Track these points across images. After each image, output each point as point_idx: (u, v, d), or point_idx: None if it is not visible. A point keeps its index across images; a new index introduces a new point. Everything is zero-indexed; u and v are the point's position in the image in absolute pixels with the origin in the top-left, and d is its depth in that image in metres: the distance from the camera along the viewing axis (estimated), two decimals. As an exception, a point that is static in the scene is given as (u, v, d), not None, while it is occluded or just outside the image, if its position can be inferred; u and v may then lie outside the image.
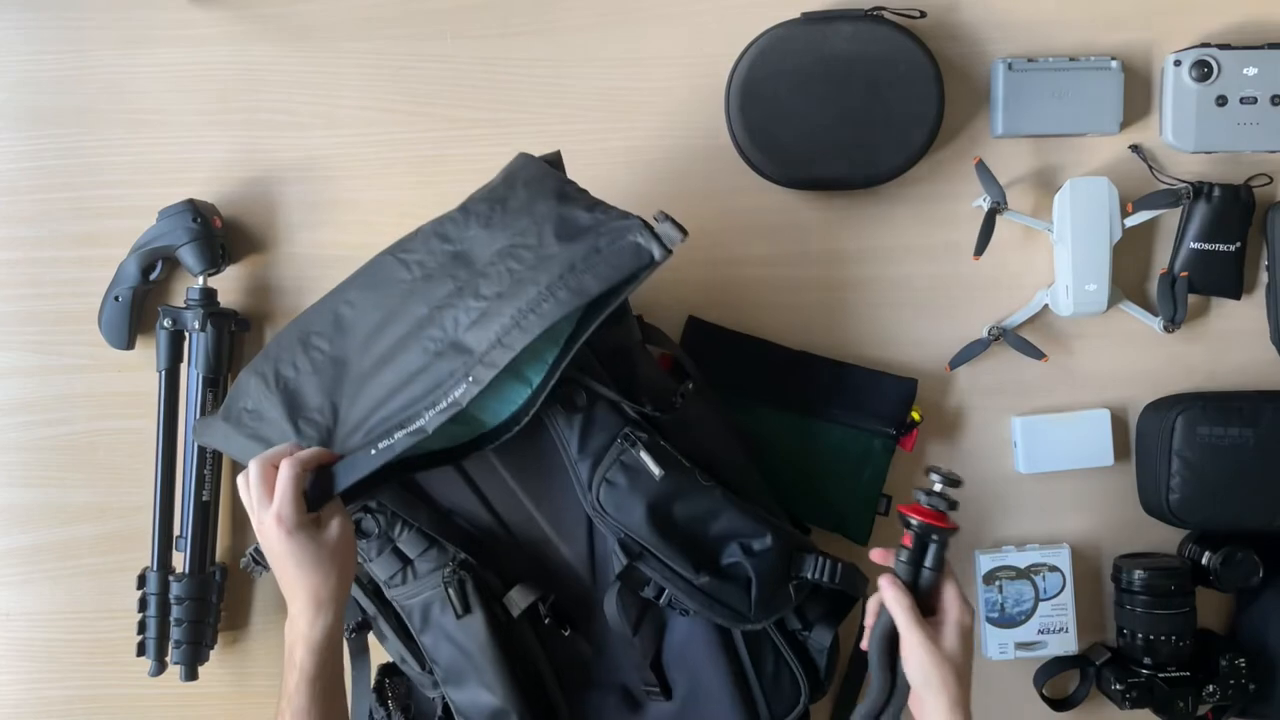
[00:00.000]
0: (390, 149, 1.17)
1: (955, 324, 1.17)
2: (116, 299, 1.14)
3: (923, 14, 1.14)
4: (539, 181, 0.97)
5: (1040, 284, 1.17)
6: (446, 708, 1.04)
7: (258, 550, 0.97)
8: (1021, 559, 1.16)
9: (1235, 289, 1.16)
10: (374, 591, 1.03)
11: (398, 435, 0.88)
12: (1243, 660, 1.12)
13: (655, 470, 0.95)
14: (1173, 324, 1.14)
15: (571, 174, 1.15)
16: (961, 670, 0.91)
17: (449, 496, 1.02)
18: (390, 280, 0.96)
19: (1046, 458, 1.16)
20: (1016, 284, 1.17)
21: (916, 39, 1.11)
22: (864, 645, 0.96)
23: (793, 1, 1.14)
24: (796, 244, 1.17)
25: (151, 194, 1.14)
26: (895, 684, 0.94)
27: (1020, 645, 1.16)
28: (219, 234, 1.13)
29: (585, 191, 0.97)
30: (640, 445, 0.96)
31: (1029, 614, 1.16)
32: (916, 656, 0.91)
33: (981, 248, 1.12)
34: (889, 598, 0.93)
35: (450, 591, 0.98)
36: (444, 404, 0.88)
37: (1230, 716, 1.15)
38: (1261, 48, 1.13)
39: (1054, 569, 1.16)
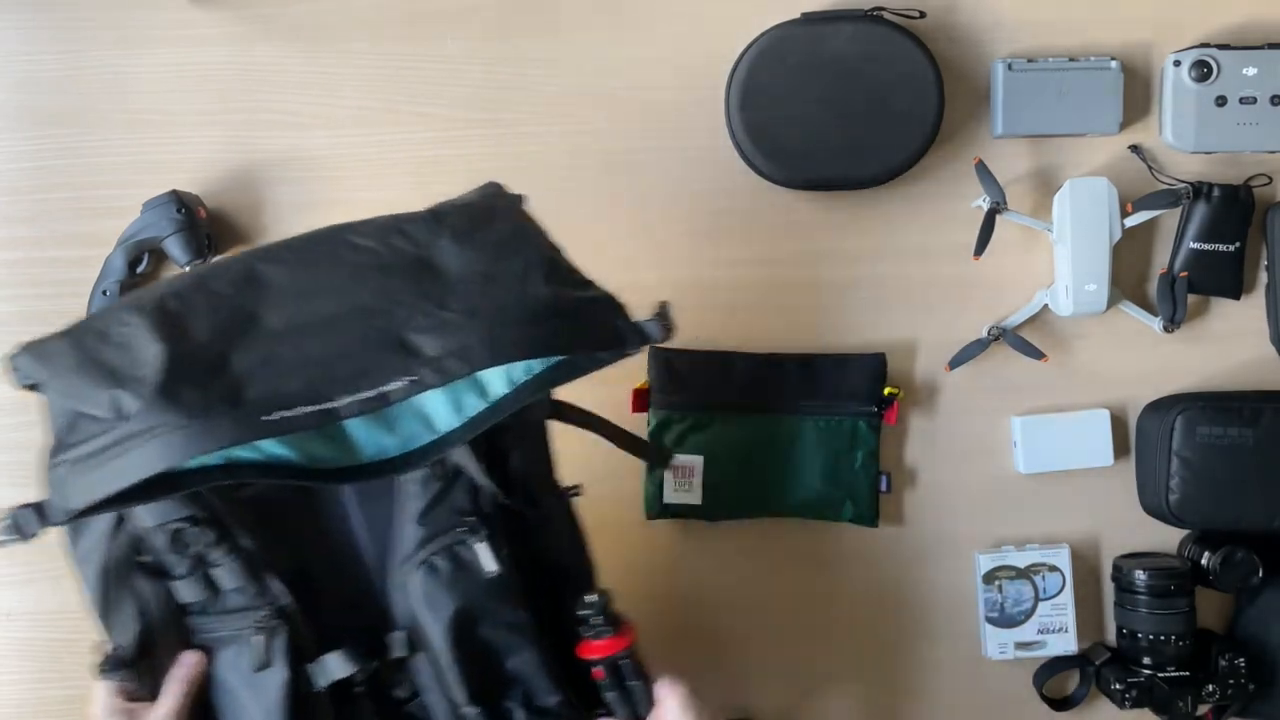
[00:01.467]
0: (390, 149, 1.17)
1: (955, 324, 1.17)
2: (104, 293, 1.14)
3: (923, 14, 1.14)
4: (527, 226, 0.90)
5: (1040, 284, 1.17)
6: None
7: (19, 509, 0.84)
8: (1021, 559, 1.16)
9: (1235, 289, 1.16)
10: (174, 612, 0.88)
11: (302, 410, 0.79)
12: (1242, 660, 1.12)
13: (492, 566, 0.87)
14: (1172, 324, 1.14)
15: (571, 176, 1.16)
16: None
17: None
18: (332, 256, 0.86)
19: (1046, 458, 1.16)
20: (1016, 284, 1.17)
21: (916, 39, 1.11)
22: None
23: (793, 1, 1.14)
24: (797, 244, 1.17)
25: (152, 194, 1.13)
26: None
27: (1020, 645, 1.16)
28: (204, 224, 1.12)
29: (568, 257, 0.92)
30: (482, 538, 0.88)
31: (1029, 614, 1.16)
32: None
33: (981, 248, 1.12)
34: None
35: (255, 639, 0.85)
36: (370, 393, 0.79)
37: (1230, 716, 1.15)
38: (1261, 48, 1.13)
39: (1054, 569, 1.16)
